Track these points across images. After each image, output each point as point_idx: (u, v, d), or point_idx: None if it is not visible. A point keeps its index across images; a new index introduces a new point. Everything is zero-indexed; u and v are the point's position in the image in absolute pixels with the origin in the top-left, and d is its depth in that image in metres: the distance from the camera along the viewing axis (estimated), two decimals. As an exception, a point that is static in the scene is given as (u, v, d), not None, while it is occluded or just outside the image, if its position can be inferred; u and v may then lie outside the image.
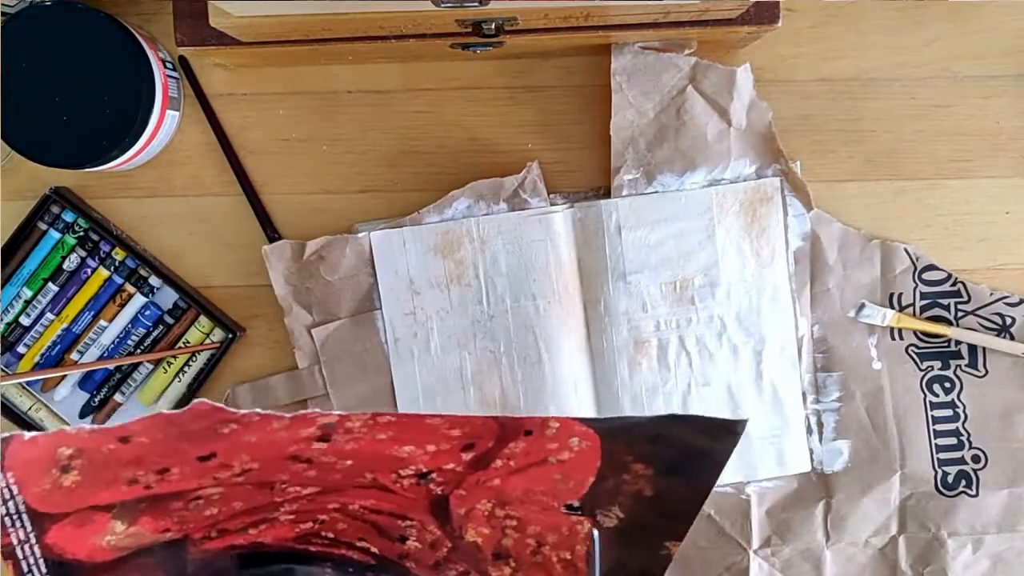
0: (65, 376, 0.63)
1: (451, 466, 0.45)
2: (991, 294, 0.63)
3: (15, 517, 0.39)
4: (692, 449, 0.44)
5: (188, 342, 0.63)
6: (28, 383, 0.63)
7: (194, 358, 0.63)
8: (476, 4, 0.46)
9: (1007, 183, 0.63)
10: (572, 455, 0.44)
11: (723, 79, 0.60)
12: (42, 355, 0.62)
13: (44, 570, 0.41)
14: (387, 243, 0.61)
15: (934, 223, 0.63)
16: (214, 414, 0.38)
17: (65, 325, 0.62)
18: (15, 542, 0.40)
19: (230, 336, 0.62)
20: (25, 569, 0.41)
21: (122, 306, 0.62)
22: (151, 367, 0.63)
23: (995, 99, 0.63)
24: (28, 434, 0.36)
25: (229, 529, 0.48)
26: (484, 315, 0.61)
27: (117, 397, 0.63)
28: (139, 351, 0.63)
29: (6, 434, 0.36)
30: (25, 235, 0.62)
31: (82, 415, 0.63)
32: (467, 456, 0.44)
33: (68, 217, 0.62)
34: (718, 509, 0.62)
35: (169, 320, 0.63)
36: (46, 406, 0.63)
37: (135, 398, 0.63)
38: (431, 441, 0.43)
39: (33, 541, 0.40)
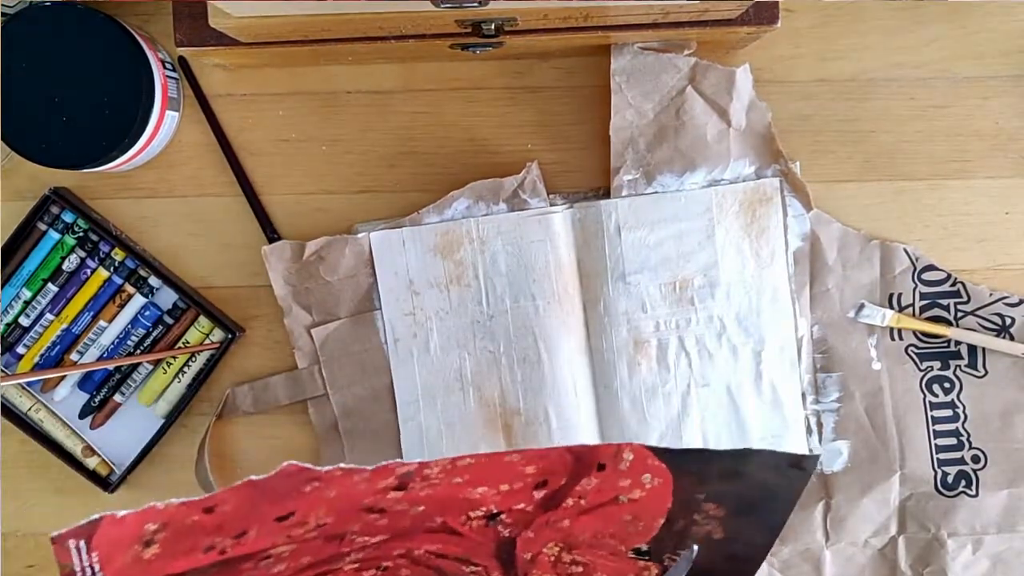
0: (65, 376, 0.63)
1: (522, 506, 0.44)
2: (991, 294, 0.63)
3: None
4: (764, 486, 0.43)
5: (188, 342, 0.63)
6: (28, 384, 0.63)
7: (194, 358, 0.63)
8: (476, 4, 0.46)
9: (1006, 183, 0.63)
10: (644, 493, 0.43)
11: (722, 80, 0.60)
12: (42, 356, 0.62)
13: None
14: (387, 243, 0.61)
15: (933, 223, 0.63)
16: (301, 475, 0.37)
17: (65, 326, 0.62)
18: None
19: (230, 336, 0.62)
20: None
21: (122, 306, 0.62)
22: (151, 367, 0.63)
23: (994, 99, 0.63)
24: (120, 513, 0.35)
25: None
26: (484, 315, 0.61)
27: (117, 397, 0.63)
28: (139, 351, 0.63)
29: (96, 515, 0.35)
30: (25, 235, 0.62)
31: (82, 415, 0.63)
32: (539, 494, 0.43)
33: (68, 217, 0.62)
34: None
35: (169, 320, 0.63)
36: (46, 406, 0.63)
37: (135, 398, 0.63)
38: (505, 480, 0.42)
39: None
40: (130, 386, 0.63)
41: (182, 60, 0.62)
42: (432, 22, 0.52)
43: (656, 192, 0.61)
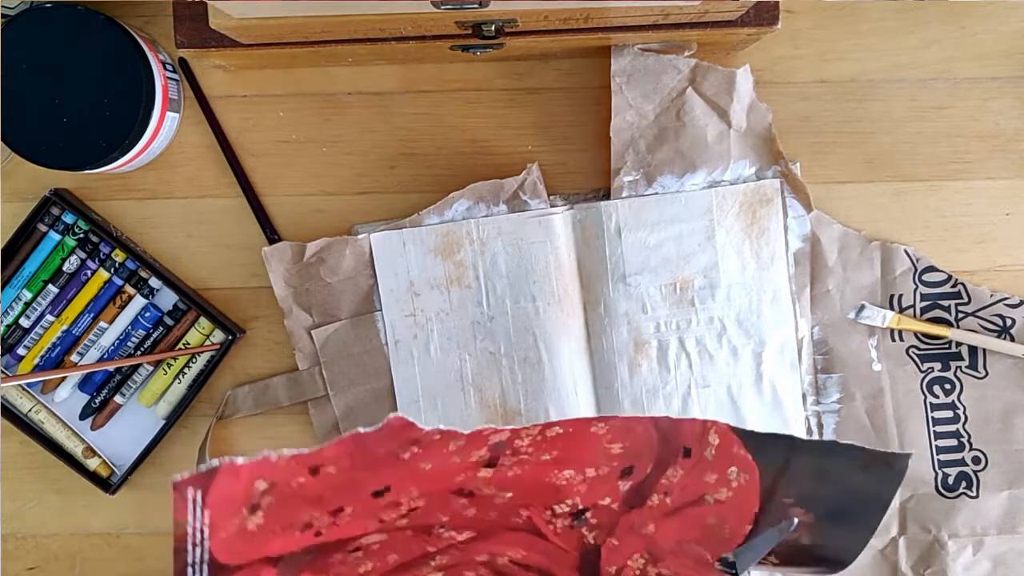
0: (65, 378, 0.63)
1: (607, 501, 0.43)
2: (991, 295, 0.63)
3: (196, 568, 0.36)
4: (853, 490, 0.42)
5: (188, 344, 0.63)
6: (28, 385, 0.63)
7: (194, 360, 0.63)
8: (476, 6, 0.46)
9: (1007, 184, 0.63)
10: (730, 493, 0.42)
11: (723, 81, 0.60)
12: (42, 357, 0.62)
13: None
14: (387, 245, 0.61)
15: (934, 224, 0.63)
16: (405, 431, 0.37)
17: (65, 327, 0.62)
18: None
19: (230, 338, 0.62)
20: None
21: (122, 308, 0.62)
22: (151, 369, 0.63)
23: (995, 100, 0.63)
24: (238, 460, 0.34)
25: None
26: (484, 316, 0.61)
27: (117, 399, 0.63)
28: (139, 353, 0.63)
29: (215, 461, 0.34)
30: (25, 237, 0.62)
31: (82, 417, 0.63)
32: (625, 486, 0.42)
33: (68, 219, 0.62)
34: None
35: (169, 322, 0.63)
36: (46, 408, 0.63)
37: (135, 400, 0.63)
38: (592, 462, 0.41)
39: None
40: (131, 387, 0.63)
41: (183, 61, 0.62)
42: (432, 23, 0.52)
43: (656, 193, 0.61)
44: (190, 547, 0.35)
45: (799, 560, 0.45)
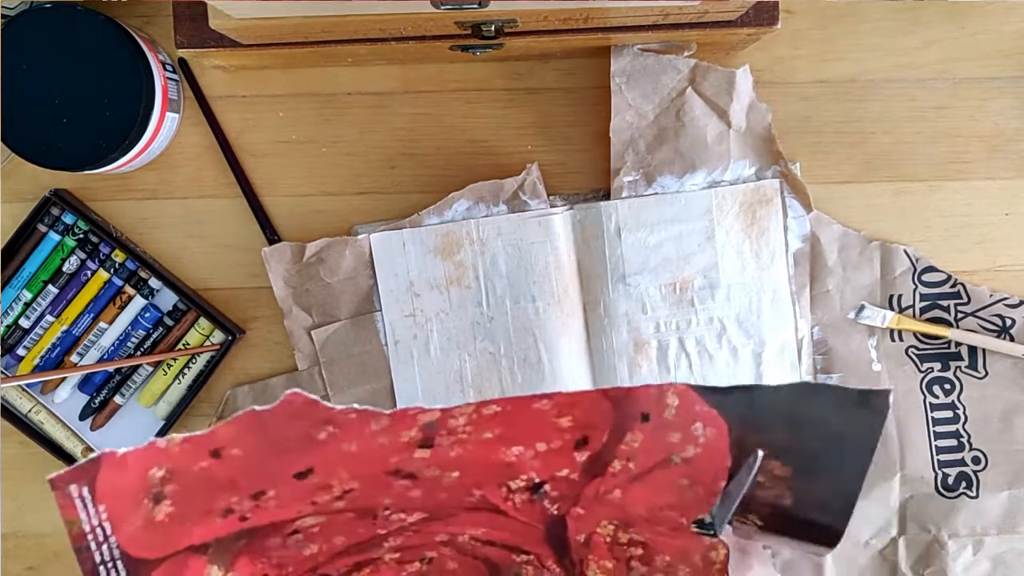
0: (65, 378, 0.63)
1: (565, 472, 0.41)
2: (991, 295, 0.63)
3: (110, 566, 0.34)
4: (831, 436, 0.38)
5: (188, 344, 0.63)
6: (28, 385, 0.63)
7: (194, 360, 0.63)
8: (475, 6, 0.46)
9: (1006, 184, 0.63)
10: (698, 450, 0.39)
11: (722, 81, 0.60)
12: (42, 357, 0.62)
13: None
14: (387, 245, 0.61)
15: (934, 224, 0.63)
16: (307, 410, 0.35)
17: (65, 327, 0.62)
18: None
19: (230, 338, 0.62)
20: None
21: (122, 308, 0.62)
22: (151, 369, 0.63)
23: (994, 100, 0.63)
24: (120, 451, 0.32)
25: (330, 574, 0.44)
26: (484, 317, 0.61)
27: (117, 399, 0.63)
28: (139, 353, 0.63)
29: (95, 453, 0.32)
30: (25, 237, 0.62)
31: (82, 417, 0.63)
32: (581, 457, 0.40)
33: (68, 219, 0.62)
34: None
35: (169, 322, 0.63)
36: (46, 408, 0.63)
37: (135, 400, 0.63)
38: (541, 436, 0.39)
39: None
40: (130, 388, 0.63)
41: (182, 62, 0.62)
42: (432, 24, 0.52)
43: (656, 193, 0.61)
44: (94, 545, 0.34)
45: (785, 527, 0.42)
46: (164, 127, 0.60)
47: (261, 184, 0.63)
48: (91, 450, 0.63)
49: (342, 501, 0.40)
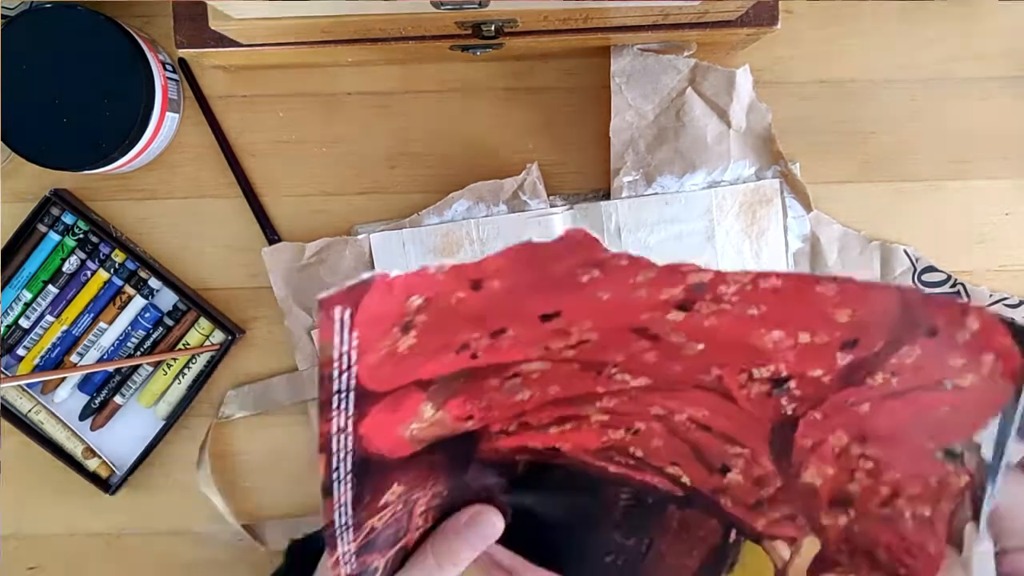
0: (65, 378, 0.63)
1: (818, 372, 0.36)
2: (991, 295, 0.63)
3: (343, 396, 0.32)
4: None
5: (188, 344, 0.63)
6: (28, 385, 0.63)
7: (194, 360, 0.63)
8: (475, 6, 0.46)
9: (1007, 184, 0.63)
10: (978, 381, 0.34)
11: (722, 81, 0.60)
12: (42, 357, 0.62)
13: (349, 467, 0.34)
14: (387, 245, 0.61)
15: (934, 224, 0.63)
16: (584, 248, 0.32)
17: (65, 327, 0.62)
18: (333, 431, 0.32)
19: (230, 338, 0.62)
20: (334, 465, 0.33)
21: (122, 308, 0.62)
22: (151, 369, 0.63)
23: (994, 100, 0.63)
24: (392, 273, 0.29)
25: (531, 424, 0.41)
26: (484, 317, 0.61)
27: (117, 399, 0.63)
28: (139, 353, 0.63)
29: (367, 274, 0.29)
30: (25, 237, 0.62)
31: (82, 417, 0.63)
32: (844, 360, 0.35)
33: (68, 219, 0.62)
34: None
35: (169, 322, 0.63)
36: (46, 408, 0.63)
37: (135, 400, 0.63)
38: (808, 326, 0.35)
39: (350, 430, 0.33)
40: (130, 388, 0.63)
41: (182, 62, 0.62)
42: (432, 23, 0.52)
43: (656, 193, 0.61)
44: (336, 373, 0.31)
45: None
46: (164, 127, 0.60)
47: (261, 184, 0.63)
48: (91, 450, 0.63)
49: (574, 351, 0.37)
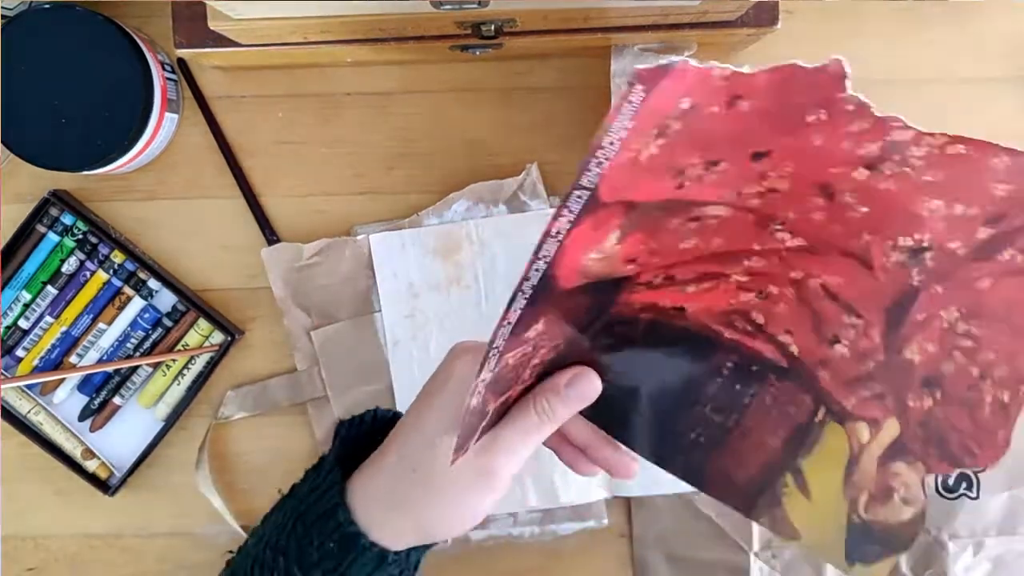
0: (64, 379, 0.62)
1: (956, 245, 0.37)
2: None
3: (578, 196, 0.32)
4: None
5: (187, 345, 0.63)
6: (27, 386, 0.63)
7: (193, 361, 0.63)
8: (475, 6, 0.46)
9: (1007, 185, 0.63)
10: None
11: (723, 81, 0.59)
12: (41, 358, 0.62)
13: (534, 284, 0.34)
14: (386, 245, 0.61)
15: (934, 225, 0.63)
16: (836, 81, 0.31)
17: (64, 328, 0.62)
18: (553, 231, 0.32)
19: (229, 339, 0.62)
20: (527, 274, 0.34)
21: (121, 309, 0.62)
22: (150, 370, 0.63)
23: (995, 100, 0.63)
24: (693, 63, 0.29)
25: (675, 279, 0.42)
26: (483, 317, 0.61)
27: (116, 400, 0.63)
28: (138, 354, 0.63)
29: (675, 58, 0.29)
30: (24, 238, 0.62)
31: (81, 418, 0.63)
32: (983, 233, 0.37)
33: (67, 220, 0.62)
34: (719, 512, 0.62)
35: (168, 323, 0.62)
36: (45, 409, 0.63)
37: (134, 401, 0.63)
38: (965, 198, 0.36)
39: (560, 237, 0.33)
40: (130, 388, 0.63)
41: (181, 62, 0.62)
42: (432, 24, 0.52)
43: (656, 193, 0.61)
44: (593, 164, 0.31)
45: None
46: (163, 127, 0.60)
47: (260, 184, 0.63)
48: (90, 451, 0.63)
49: (758, 200, 0.38)
